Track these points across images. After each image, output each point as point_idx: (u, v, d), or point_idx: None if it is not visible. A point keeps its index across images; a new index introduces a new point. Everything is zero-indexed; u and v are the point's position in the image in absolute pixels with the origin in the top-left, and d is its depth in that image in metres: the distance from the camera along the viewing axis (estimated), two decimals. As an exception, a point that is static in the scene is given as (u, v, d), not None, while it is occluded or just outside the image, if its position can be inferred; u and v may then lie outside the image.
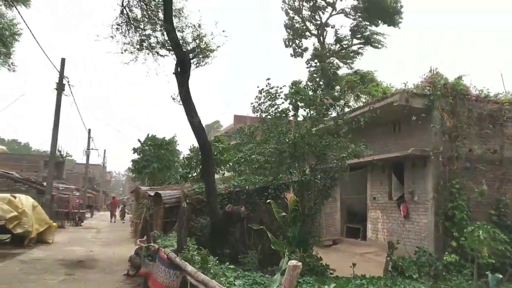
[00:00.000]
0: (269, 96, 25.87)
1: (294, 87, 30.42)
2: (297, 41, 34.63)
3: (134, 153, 33.98)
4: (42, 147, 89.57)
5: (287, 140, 12.18)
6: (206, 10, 12.41)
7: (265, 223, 12.57)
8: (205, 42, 11.67)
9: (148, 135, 31.64)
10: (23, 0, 14.06)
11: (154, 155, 23.57)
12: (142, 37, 12.07)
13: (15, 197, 18.25)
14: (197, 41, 11.63)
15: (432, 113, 14.68)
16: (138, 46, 11.55)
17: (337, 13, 33.19)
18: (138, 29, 12.28)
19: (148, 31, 11.88)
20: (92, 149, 45.46)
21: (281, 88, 22.69)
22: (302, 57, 34.97)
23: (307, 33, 33.69)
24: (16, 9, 12.03)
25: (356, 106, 23.02)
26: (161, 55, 11.56)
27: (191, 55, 11.74)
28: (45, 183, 27.41)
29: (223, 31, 11.39)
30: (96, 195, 66.78)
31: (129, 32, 12.26)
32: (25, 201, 18.43)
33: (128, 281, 11.51)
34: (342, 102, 16.72)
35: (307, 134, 11.92)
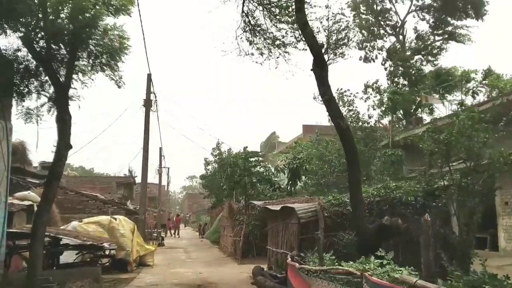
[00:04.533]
0: (344, 103, 24.41)
1: (373, 88, 28.82)
2: (371, 43, 32.97)
3: (207, 165, 33.23)
4: (105, 171, 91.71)
5: (442, 138, 10.61)
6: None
7: (415, 237, 11.07)
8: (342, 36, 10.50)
9: (218, 141, 30.56)
10: (125, 10, 13.25)
11: (244, 168, 22.44)
12: (268, 37, 11.13)
13: (115, 219, 17.58)
14: (334, 35, 10.45)
15: None
16: (269, 47, 10.58)
17: (415, 10, 31.32)
18: (263, 31, 11.38)
19: (277, 30, 10.95)
20: (164, 167, 45.31)
21: (354, 92, 21.19)
22: (374, 61, 33.21)
23: (383, 33, 31.96)
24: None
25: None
26: (299, 49, 10.50)
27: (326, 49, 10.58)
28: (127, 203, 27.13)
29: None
30: (161, 214, 67.05)
31: (255, 36, 11.43)
32: (125, 223, 17.71)
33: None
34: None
35: (469, 127, 10.27)
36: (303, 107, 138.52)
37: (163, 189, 73.37)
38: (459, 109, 12.02)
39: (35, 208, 17.10)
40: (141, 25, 15.83)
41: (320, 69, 10.19)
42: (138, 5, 17.12)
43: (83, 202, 23.94)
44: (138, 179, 46.08)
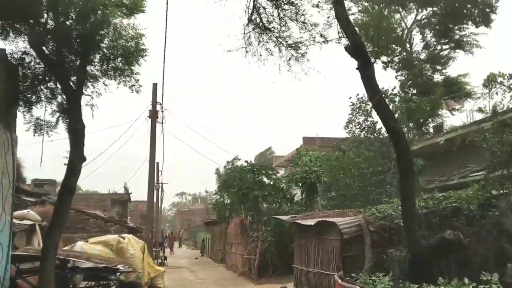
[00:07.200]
0: (362, 111, 23.57)
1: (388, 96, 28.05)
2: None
3: (218, 177, 32.49)
4: (93, 188, 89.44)
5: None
6: None
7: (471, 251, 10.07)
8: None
9: (236, 156, 29.69)
10: (139, 8, 12.15)
11: (253, 181, 21.28)
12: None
13: (124, 238, 16.30)
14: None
15: None
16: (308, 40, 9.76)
17: (419, 20, 30.78)
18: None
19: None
20: (162, 183, 43.98)
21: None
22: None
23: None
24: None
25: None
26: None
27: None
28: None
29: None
30: (155, 232, 65.46)
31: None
32: (135, 242, 16.42)
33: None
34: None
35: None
36: (300, 120, 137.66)
37: (156, 205, 71.88)
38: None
39: (37, 228, 15.82)
40: (165, 28, 14.80)
41: (365, 69, 9.27)
42: (166, 10, 16.11)
43: (83, 220, 22.55)
44: (133, 196, 44.91)
